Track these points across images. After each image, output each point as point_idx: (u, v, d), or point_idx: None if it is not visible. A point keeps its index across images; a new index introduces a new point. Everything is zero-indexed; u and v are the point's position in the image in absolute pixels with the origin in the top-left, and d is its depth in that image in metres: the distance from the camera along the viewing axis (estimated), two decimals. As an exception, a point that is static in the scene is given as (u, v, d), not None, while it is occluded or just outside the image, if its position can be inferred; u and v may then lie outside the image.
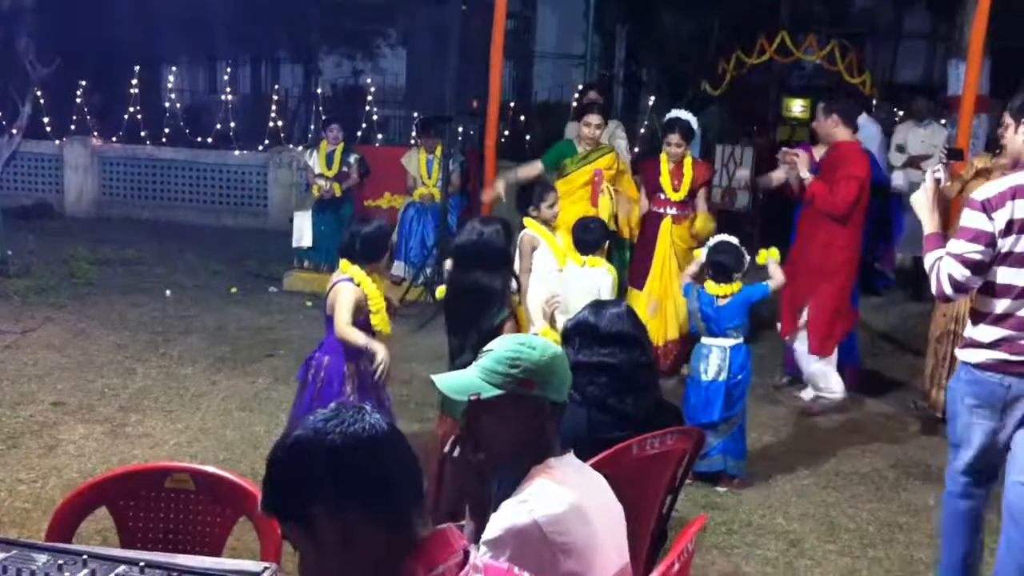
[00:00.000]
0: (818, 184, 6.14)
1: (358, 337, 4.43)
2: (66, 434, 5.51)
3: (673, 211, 6.94)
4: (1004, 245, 3.49)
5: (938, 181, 3.83)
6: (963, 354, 3.73)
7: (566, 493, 2.24)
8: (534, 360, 2.32)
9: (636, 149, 8.54)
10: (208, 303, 8.52)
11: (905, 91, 11.00)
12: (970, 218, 3.53)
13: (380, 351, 4.41)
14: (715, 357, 5.19)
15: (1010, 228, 3.48)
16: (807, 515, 4.93)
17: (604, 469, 2.60)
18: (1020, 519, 3.59)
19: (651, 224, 7.03)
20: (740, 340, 5.26)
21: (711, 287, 5.28)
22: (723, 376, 5.16)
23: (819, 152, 6.64)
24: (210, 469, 2.91)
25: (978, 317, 3.65)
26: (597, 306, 3.55)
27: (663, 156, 6.96)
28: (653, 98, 13.15)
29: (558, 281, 5.32)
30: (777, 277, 5.35)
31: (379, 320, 4.60)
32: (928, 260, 3.66)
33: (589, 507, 2.26)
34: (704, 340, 5.29)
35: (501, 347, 2.37)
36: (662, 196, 6.96)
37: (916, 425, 6.28)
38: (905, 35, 15.65)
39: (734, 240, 5.37)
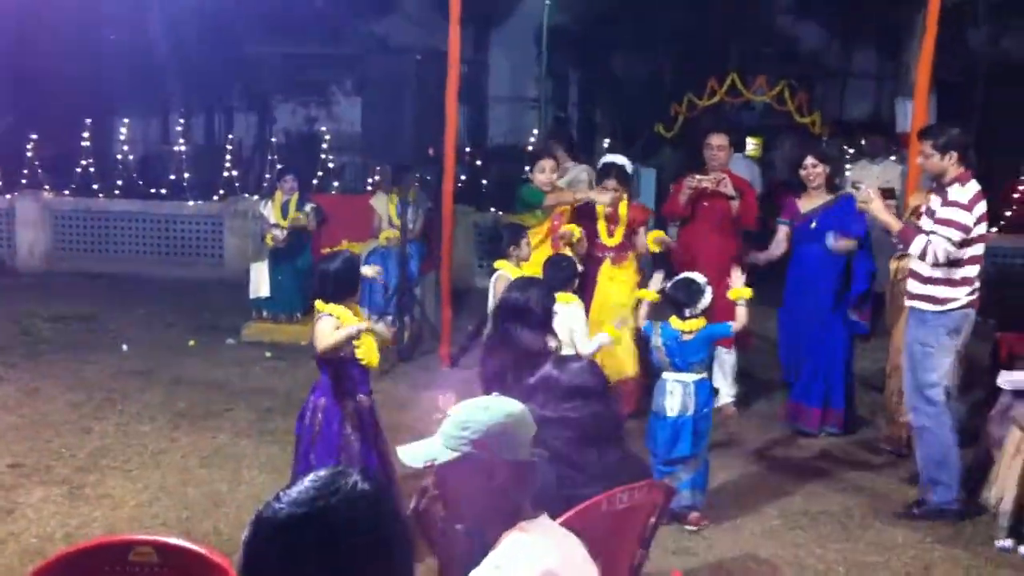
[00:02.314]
0: (742, 204, 7.09)
1: (343, 333, 4.43)
2: (23, 497, 5.39)
3: (612, 254, 6.96)
4: (973, 232, 5.14)
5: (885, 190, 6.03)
6: (936, 307, 5.24)
7: (540, 557, 2.22)
8: (483, 421, 2.33)
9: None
10: (165, 357, 8.39)
11: (854, 129, 11.22)
12: (957, 214, 5.12)
13: (358, 325, 4.46)
14: (679, 393, 5.18)
15: (979, 220, 5.15)
16: (776, 556, 4.94)
17: (575, 526, 2.59)
18: None
19: (591, 267, 6.92)
20: (704, 375, 5.28)
21: (675, 322, 5.28)
22: (690, 411, 5.15)
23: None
24: (174, 541, 2.83)
25: (951, 281, 5.20)
26: (560, 361, 3.57)
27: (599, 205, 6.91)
28: (608, 141, 13.25)
29: None
30: (741, 318, 5.38)
31: (364, 352, 4.57)
32: (916, 246, 5.19)
33: (563, 570, 2.24)
34: (666, 375, 5.26)
35: (459, 411, 2.39)
36: (599, 241, 6.97)
37: (880, 462, 6.32)
38: (853, 74, 15.94)
39: (700, 279, 5.33)
